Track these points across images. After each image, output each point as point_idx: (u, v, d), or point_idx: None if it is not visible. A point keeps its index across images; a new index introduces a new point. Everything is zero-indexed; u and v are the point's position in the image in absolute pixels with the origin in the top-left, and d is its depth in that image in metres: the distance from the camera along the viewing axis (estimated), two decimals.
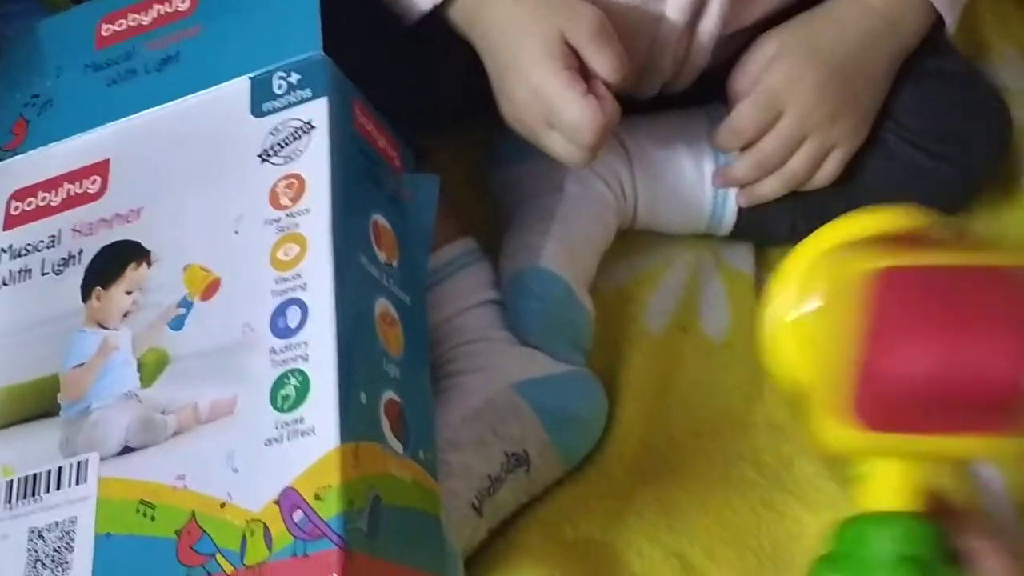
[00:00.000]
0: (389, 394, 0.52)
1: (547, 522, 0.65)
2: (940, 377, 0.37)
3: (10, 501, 0.51)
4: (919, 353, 0.38)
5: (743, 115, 0.68)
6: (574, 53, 0.61)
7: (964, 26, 0.86)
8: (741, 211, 0.72)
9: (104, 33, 0.62)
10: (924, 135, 0.70)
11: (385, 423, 0.51)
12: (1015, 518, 0.64)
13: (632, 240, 0.75)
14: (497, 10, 0.63)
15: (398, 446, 0.51)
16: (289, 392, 0.48)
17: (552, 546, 0.63)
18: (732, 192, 0.72)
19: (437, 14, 0.65)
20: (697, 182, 0.73)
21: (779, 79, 0.67)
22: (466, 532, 0.59)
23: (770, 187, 0.70)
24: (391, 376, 0.53)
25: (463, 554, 0.59)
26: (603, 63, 0.61)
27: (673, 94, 0.73)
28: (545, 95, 0.61)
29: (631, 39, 0.65)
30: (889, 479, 0.41)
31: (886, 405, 0.39)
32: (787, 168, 0.69)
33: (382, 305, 0.54)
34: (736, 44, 0.71)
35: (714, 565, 0.63)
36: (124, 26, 0.61)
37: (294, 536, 0.45)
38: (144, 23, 0.61)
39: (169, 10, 0.61)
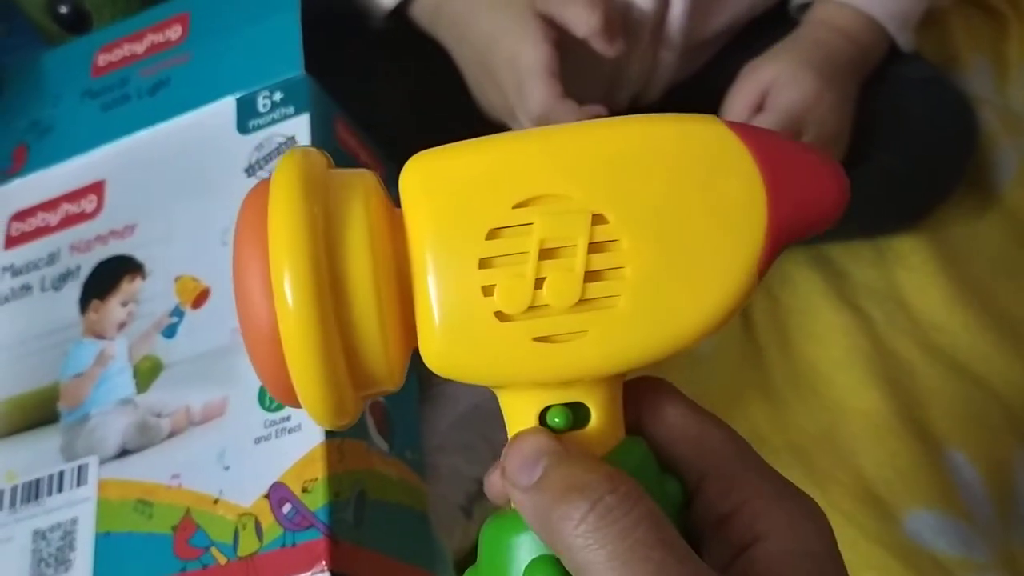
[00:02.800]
0: None
1: None
2: None
3: (14, 504, 0.53)
4: None
5: None
6: (548, 25, 0.62)
7: (934, 36, 0.88)
8: None
9: (100, 63, 0.64)
10: (890, 138, 0.72)
11: (370, 423, 0.53)
12: (990, 505, 0.66)
13: None
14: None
15: (383, 445, 0.53)
16: None
17: None
18: None
19: (401, 13, 0.67)
20: None
21: (798, 101, 0.66)
22: (456, 534, 0.61)
23: None
24: None
25: (453, 556, 0.60)
26: (575, 12, 0.61)
27: (644, 108, 0.76)
28: (518, 66, 0.61)
29: (594, 61, 0.66)
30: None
31: None
32: None
33: None
34: (700, 59, 0.73)
35: None
36: (119, 56, 0.64)
37: (283, 527, 0.47)
38: (138, 52, 0.64)
39: (161, 39, 0.63)
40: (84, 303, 0.57)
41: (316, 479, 0.48)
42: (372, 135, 0.63)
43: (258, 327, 0.28)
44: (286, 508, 0.47)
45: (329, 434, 0.49)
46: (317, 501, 0.47)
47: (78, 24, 0.66)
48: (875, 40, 0.72)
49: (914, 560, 0.62)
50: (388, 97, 0.70)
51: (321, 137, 0.57)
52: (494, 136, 0.30)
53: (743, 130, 0.30)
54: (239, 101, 0.58)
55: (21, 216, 0.61)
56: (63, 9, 0.66)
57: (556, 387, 0.30)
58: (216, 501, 0.49)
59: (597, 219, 0.28)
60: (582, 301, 0.28)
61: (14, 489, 0.53)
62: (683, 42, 0.70)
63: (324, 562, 0.46)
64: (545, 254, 0.28)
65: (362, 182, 0.30)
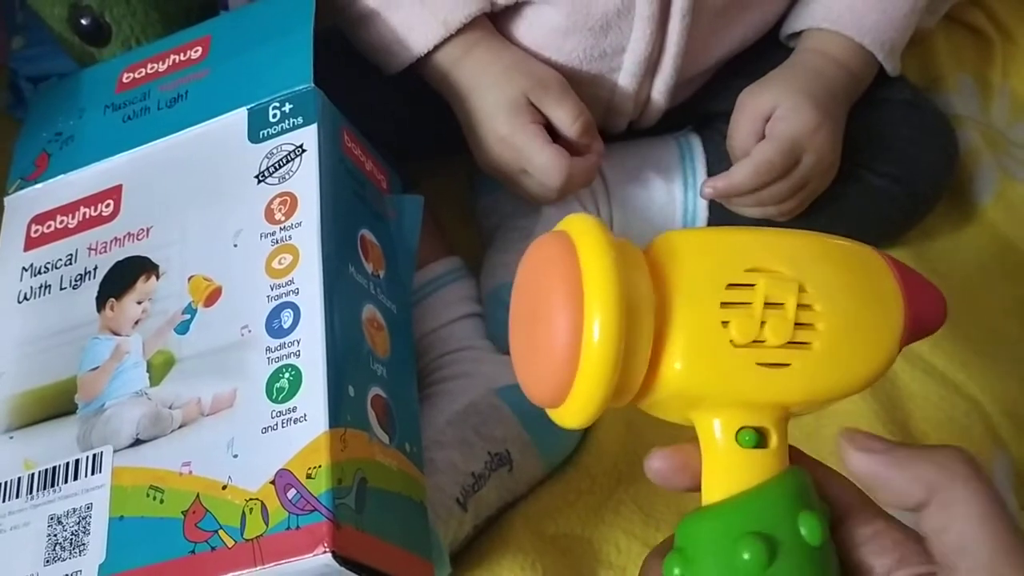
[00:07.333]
0: (376, 390, 0.57)
1: (530, 517, 0.68)
2: None
3: (31, 492, 0.55)
4: None
5: (767, 160, 0.69)
6: (538, 110, 0.68)
7: (920, 57, 0.92)
8: None
9: (125, 80, 0.68)
10: (872, 158, 0.75)
11: (372, 415, 0.55)
12: None
13: None
14: (468, 69, 0.70)
15: (384, 436, 0.56)
16: (283, 385, 0.53)
17: (535, 539, 0.67)
18: (701, 216, 0.77)
19: (414, 66, 0.71)
20: (668, 205, 0.78)
21: (798, 130, 0.69)
22: (452, 525, 0.63)
23: (742, 202, 0.73)
24: (378, 374, 0.57)
25: (449, 547, 0.63)
26: (563, 115, 0.69)
27: (641, 131, 0.79)
28: (515, 145, 0.68)
29: (592, 93, 0.72)
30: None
31: None
32: (767, 193, 0.71)
33: (369, 311, 0.59)
34: (693, 87, 0.76)
35: None
36: (143, 73, 0.67)
37: (288, 511, 0.50)
38: (160, 70, 0.67)
39: (183, 58, 0.67)
40: (101, 301, 0.60)
41: (320, 466, 0.50)
42: (375, 144, 0.66)
43: (557, 347, 0.37)
44: (291, 493, 0.50)
45: (332, 424, 0.51)
46: (320, 487, 0.50)
47: (98, 37, 0.69)
48: (865, 67, 0.75)
49: None
50: (390, 109, 0.73)
51: (328, 146, 0.60)
52: (723, 227, 0.43)
53: (887, 258, 0.41)
54: (251, 111, 0.61)
55: (41, 219, 0.64)
56: (84, 22, 0.68)
57: (751, 410, 0.39)
58: (225, 487, 0.51)
59: (800, 288, 0.39)
60: (790, 343, 0.38)
61: (31, 477, 0.56)
62: (676, 78, 0.73)
63: (326, 543, 0.48)
64: (767, 305, 0.38)
65: (634, 250, 0.39)
